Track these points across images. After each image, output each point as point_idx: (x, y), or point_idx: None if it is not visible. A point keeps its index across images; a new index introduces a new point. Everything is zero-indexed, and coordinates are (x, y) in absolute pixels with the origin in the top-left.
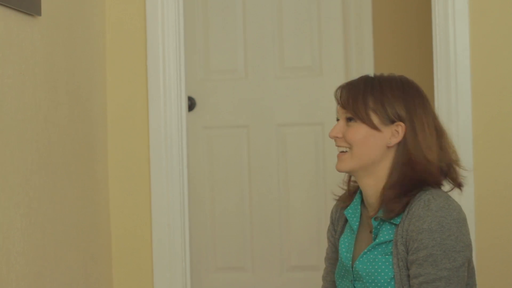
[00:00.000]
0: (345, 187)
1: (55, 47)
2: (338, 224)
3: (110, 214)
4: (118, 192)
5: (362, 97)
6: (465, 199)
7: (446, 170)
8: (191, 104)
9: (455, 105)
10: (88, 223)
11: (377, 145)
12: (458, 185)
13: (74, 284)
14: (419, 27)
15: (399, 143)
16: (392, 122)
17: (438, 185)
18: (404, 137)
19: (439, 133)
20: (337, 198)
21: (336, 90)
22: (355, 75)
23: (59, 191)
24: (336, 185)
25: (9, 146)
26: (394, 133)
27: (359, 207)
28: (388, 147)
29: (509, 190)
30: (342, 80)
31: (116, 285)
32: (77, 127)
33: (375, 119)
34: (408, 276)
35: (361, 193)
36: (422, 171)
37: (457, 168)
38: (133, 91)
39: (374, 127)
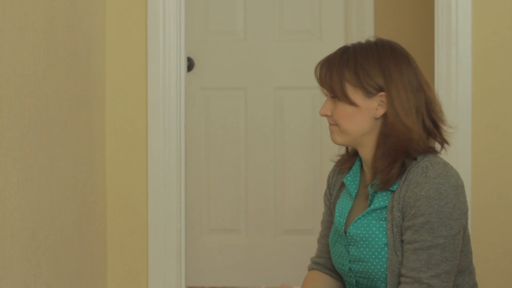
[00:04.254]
0: (343, 152)
1: (55, 3)
2: (334, 188)
3: (106, 173)
4: (114, 151)
5: (336, 74)
6: (462, 166)
7: (433, 130)
8: (190, 65)
9: (455, 73)
10: (84, 181)
11: (364, 120)
12: (444, 141)
13: (68, 241)
14: None
15: (385, 113)
16: (375, 93)
17: (421, 150)
18: (387, 107)
19: (424, 91)
20: (335, 161)
21: (316, 67)
22: (355, 39)
23: (56, 148)
24: (332, 150)
25: (7, 101)
26: (381, 104)
27: (359, 174)
28: (376, 119)
29: (506, 157)
30: (341, 44)
31: (110, 243)
32: (76, 84)
33: (356, 93)
34: (402, 241)
35: (360, 159)
36: (404, 140)
37: (442, 126)
38: (132, 51)
39: (353, 104)
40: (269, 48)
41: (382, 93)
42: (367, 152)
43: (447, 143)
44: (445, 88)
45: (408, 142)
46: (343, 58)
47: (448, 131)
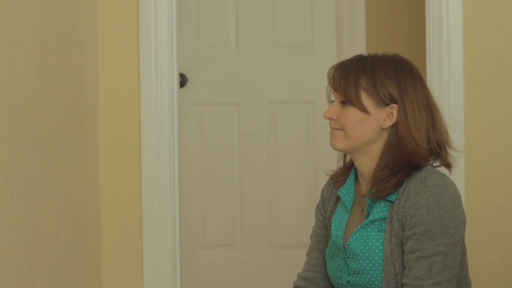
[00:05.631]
0: (341, 162)
1: (47, 20)
2: (328, 203)
3: (100, 189)
4: (108, 167)
5: (353, 79)
6: (455, 178)
7: (437, 150)
8: (183, 81)
9: (447, 84)
10: (78, 198)
11: (371, 128)
12: (447, 165)
13: (63, 258)
14: (412, 6)
15: (392, 125)
16: (386, 104)
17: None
18: (397, 119)
19: (432, 112)
20: (329, 175)
21: (329, 70)
22: (347, 53)
23: (49, 165)
24: (327, 164)
25: (0, 119)
26: (389, 115)
27: (353, 187)
28: (382, 129)
29: (499, 169)
30: (334, 58)
31: (105, 260)
32: (68, 102)
33: (368, 101)
34: (401, 252)
35: (355, 171)
36: (410, 153)
37: (447, 149)
38: (124, 67)
39: (365, 111)
40: (261, 62)
41: (393, 105)
42: (366, 162)
43: (449, 166)
44: (437, 100)
45: (413, 156)
46: (361, 65)
47: (452, 155)
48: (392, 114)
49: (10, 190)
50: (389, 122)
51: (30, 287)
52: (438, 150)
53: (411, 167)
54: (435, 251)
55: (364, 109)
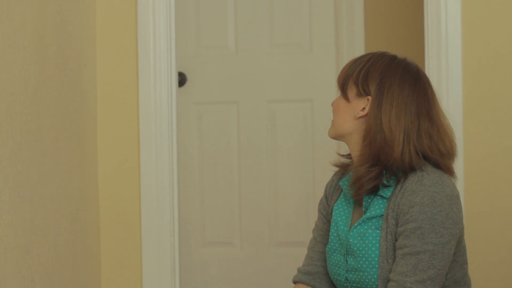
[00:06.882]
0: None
1: (45, 20)
2: (332, 198)
3: (99, 189)
4: (107, 166)
5: (348, 70)
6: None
7: (414, 159)
8: (182, 80)
9: (446, 83)
10: (76, 198)
11: (348, 116)
12: (450, 173)
13: (61, 258)
14: (411, 5)
15: (367, 118)
16: (364, 95)
17: (403, 169)
18: (369, 112)
19: (421, 120)
20: (334, 164)
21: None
22: (345, 52)
23: (48, 165)
24: (325, 162)
25: None
26: (365, 107)
27: None
28: (357, 119)
29: (498, 168)
30: (332, 57)
31: (104, 259)
32: (67, 101)
33: (352, 91)
34: (395, 249)
35: None
36: (380, 149)
37: (444, 160)
38: (123, 66)
39: (347, 99)
40: (260, 61)
41: (369, 97)
42: (354, 156)
43: (450, 172)
44: None
45: (384, 153)
46: (362, 59)
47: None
48: (367, 106)
49: (9, 190)
50: (361, 113)
51: (29, 287)
52: (418, 160)
53: (385, 165)
54: (423, 249)
55: (346, 97)
